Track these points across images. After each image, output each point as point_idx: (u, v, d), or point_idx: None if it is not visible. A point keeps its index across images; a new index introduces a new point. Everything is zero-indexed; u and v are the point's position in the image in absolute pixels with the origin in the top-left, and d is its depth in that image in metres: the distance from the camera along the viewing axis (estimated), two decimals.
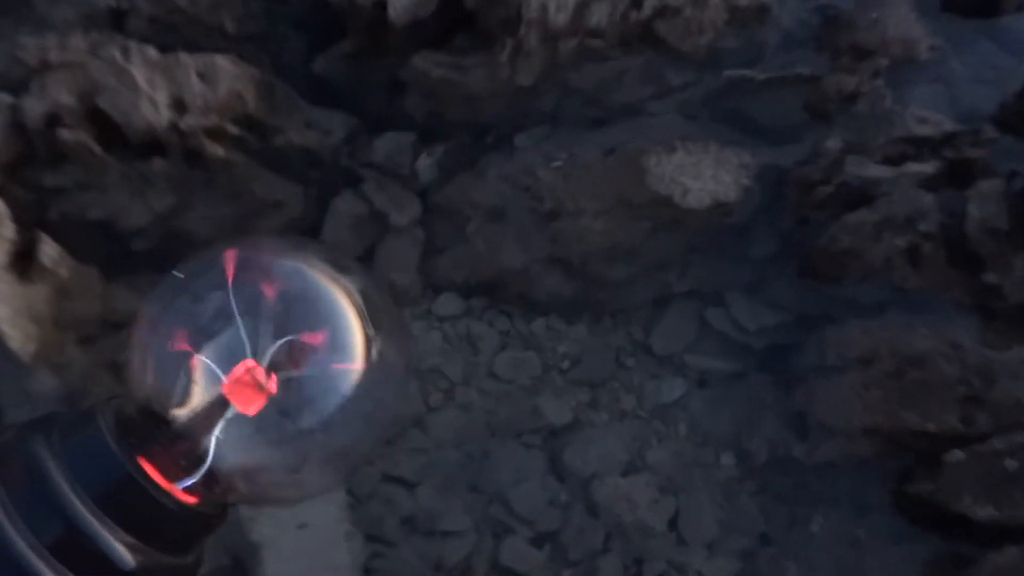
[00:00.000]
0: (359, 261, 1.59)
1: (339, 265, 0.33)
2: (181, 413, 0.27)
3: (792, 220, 1.62)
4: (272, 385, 0.28)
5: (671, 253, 1.62)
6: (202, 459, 0.27)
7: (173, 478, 0.26)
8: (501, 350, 1.60)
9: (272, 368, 0.28)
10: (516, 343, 1.62)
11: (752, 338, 1.64)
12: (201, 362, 0.28)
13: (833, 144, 1.58)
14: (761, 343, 1.64)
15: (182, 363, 0.28)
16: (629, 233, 1.56)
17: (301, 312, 0.30)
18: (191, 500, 0.25)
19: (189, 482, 0.26)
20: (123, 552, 0.23)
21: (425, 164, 1.62)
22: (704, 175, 1.55)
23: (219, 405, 0.27)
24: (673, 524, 1.49)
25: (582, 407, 1.59)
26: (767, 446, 1.53)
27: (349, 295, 0.31)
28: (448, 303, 1.61)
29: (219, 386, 0.27)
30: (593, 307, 1.64)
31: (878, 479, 1.43)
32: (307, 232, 1.57)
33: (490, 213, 1.59)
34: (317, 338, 0.30)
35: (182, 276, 0.32)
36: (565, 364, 1.61)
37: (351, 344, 0.31)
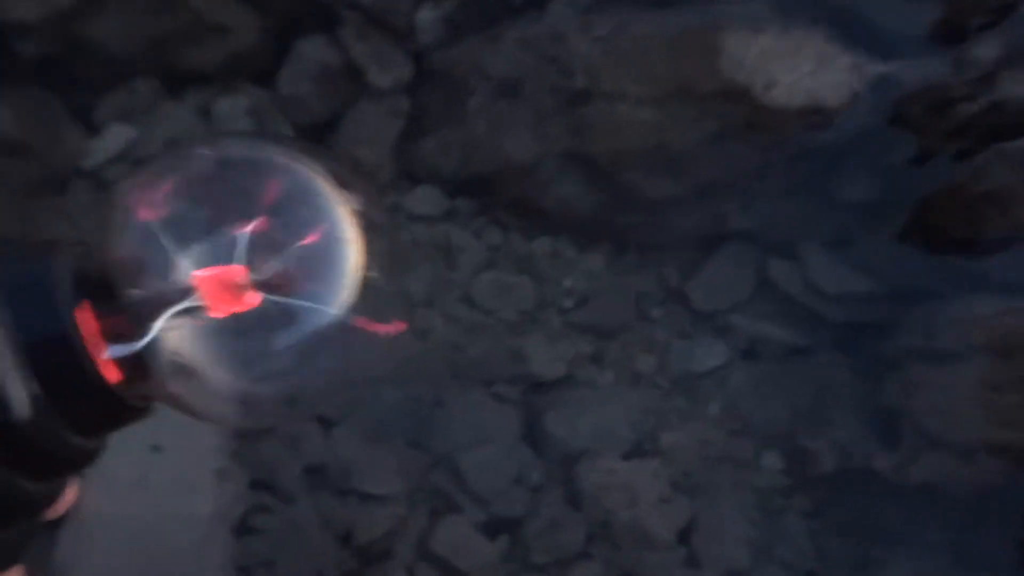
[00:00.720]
0: (322, 132, 1.20)
1: (354, 186, 0.27)
2: (141, 284, 0.22)
3: (908, 155, 1.16)
4: (252, 298, 0.23)
5: (734, 172, 1.17)
6: (139, 338, 0.22)
7: (102, 346, 0.22)
8: (485, 269, 1.18)
9: (257, 282, 0.24)
10: (507, 264, 1.19)
11: (828, 306, 1.18)
12: (185, 243, 0.23)
13: (986, 52, 1.11)
14: (840, 314, 1.18)
15: (163, 237, 0.24)
16: (683, 133, 1.12)
17: (302, 235, 0.25)
18: (113, 376, 0.21)
19: (117, 353, 0.22)
20: (22, 400, 0.19)
21: (429, 17, 1.21)
22: (800, 67, 1.11)
23: (183, 293, 0.22)
24: (685, 536, 1.05)
25: (581, 360, 1.16)
26: (834, 450, 1.07)
27: (358, 225, 0.26)
28: (426, 199, 1.20)
29: (193, 274, 0.22)
30: (617, 232, 1.21)
31: (1000, 518, 0.96)
32: (256, 77, 1.18)
33: (501, 87, 1.17)
34: (313, 267, 0.25)
35: (205, 152, 0.26)
36: (568, 302, 1.18)
37: (344, 283, 0.26)
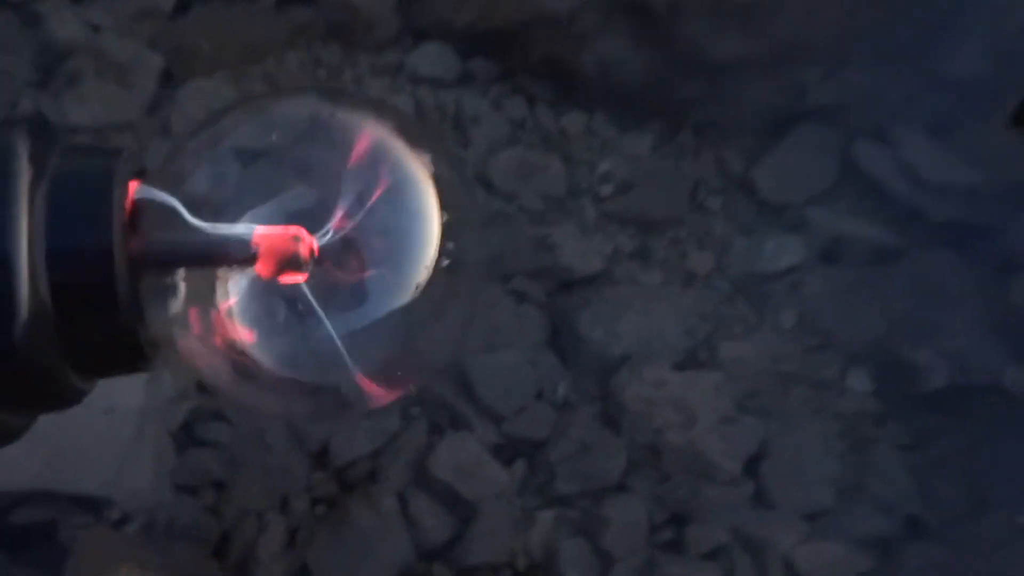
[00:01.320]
0: None
1: (432, 149, 0.24)
2: (198, 223, 0.19)
3: None
4: (309, 268, 0.20)
5: (820, 30, 0.94)
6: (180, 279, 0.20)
7: (140, 270, 0.18)
8: (505, 146, 0.96)
9: (322, 254, 0.21)
10: (533, 141, 0.97)
11: (929, 199, 0.94)
12: (250, 199, 0.21)
13: None
14: (942, 210, 0.94)
15: (232, 184, 0.22)
16: None
17: (382, 212, 0.22)
18: (139, 315, 0.17)
19: (157, 280, 0.19)
20: (27, 315, 0.15)
21: None
22: None
23: (241, 245, 0.19)
24: (752, 468, 0.82)
25: (621, 257, 0.93)
26: (947, 364, 0.83)
27: (437, 195, 0.23)
28: (434, 58, 0.97)
29: (256, 229, 0.20)
30: (669, 107, 0.98)
31: None
32: None
33: None
34: (386, 250, 0.23)
35: (279, 107, 0.24)
36: (606, 188, 0.95)
37: (418, 272, 0.23)
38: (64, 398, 0.18)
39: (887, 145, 0.97)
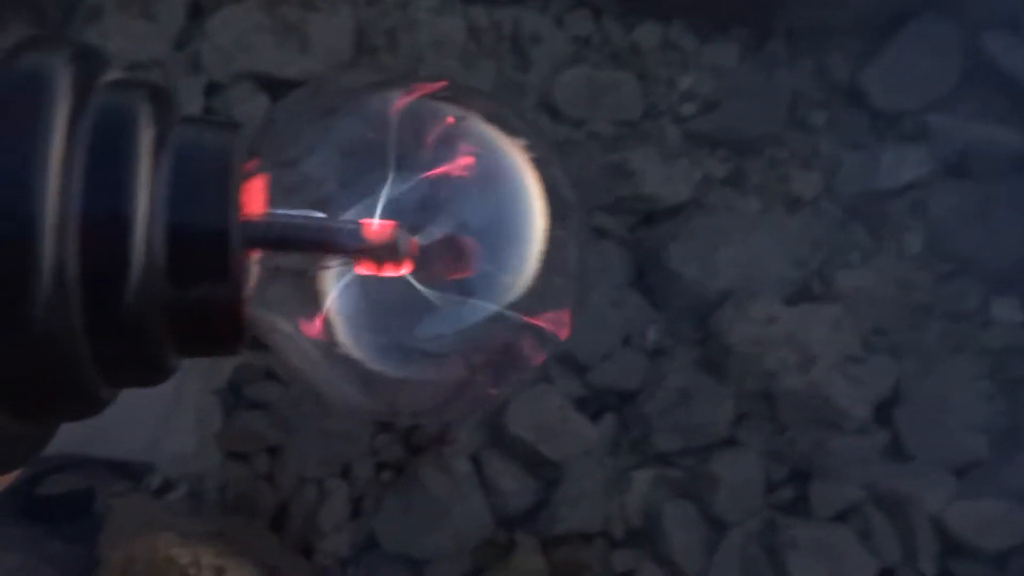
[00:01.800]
0: None
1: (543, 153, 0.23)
2: (313, 216, 0.19)
3: None
4: (407, 266, 0.20)
5: None
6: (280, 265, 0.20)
7: (251, 250, 0.17)
8: (572, 66, 0.85)
9: (420, 254, 0.21)
10: (601, 59, 0.85)
11: None
12: (354, 190, 0.21)
13: None
14: None
15: (336, 175, 0.22)
16: None
17: (483, 210, 0.22)
18: (239, 294, 0.16)
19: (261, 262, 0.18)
20: (140, 268, 0.14)
21: None
22: None
23: (350, 235, 0.19)
24: (886, 414, 0.69)
25: (712, 183, 0.81)
26: None
27: (550, 199, 0.23)
28: None
29: (362, 221, 0.19)
30: (758, 11, 0.85)
31: None
32: None
33: None
34: (488, 248, 0.22)
35: (386, 97, 0.23)
36: (689, 107, 0.83)
37: (520, 271, 0.22)
38: (162, 374, 0.17)
39: (1020, 35, 0.82)
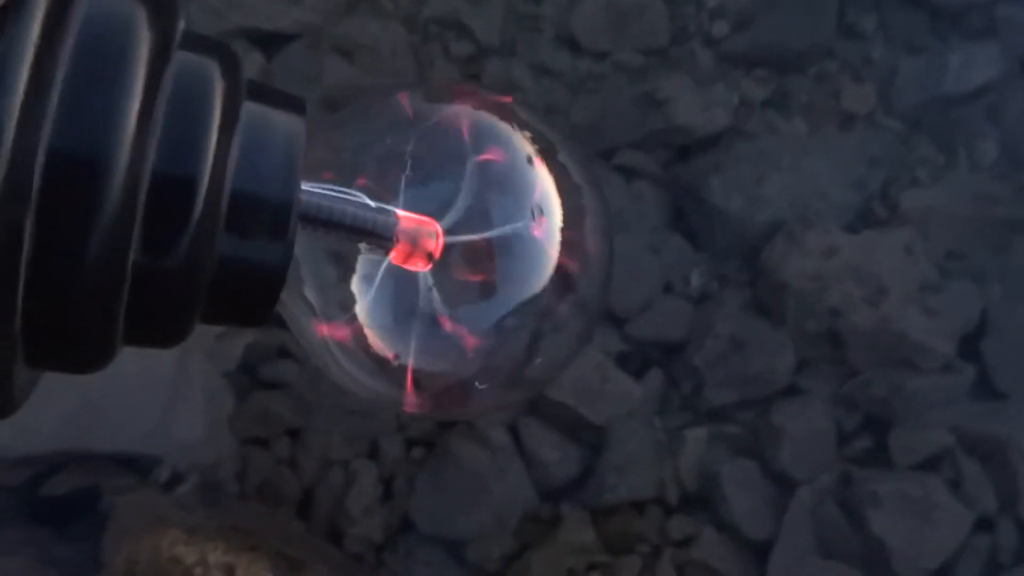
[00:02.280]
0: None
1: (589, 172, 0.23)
2: (355, 199, 0.20)
3: None
4: (430, 260, 0.21)
5: None
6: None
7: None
8: None
9: (451, 251, 0.21)
10: None
11: None
12: (391, 186, 0.21)
13: None
14: None
15: (375, 167, 0.22)
16: None
17: (510, 216, 0.22)
18: (287, 260, 0.17)
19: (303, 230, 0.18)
20: (195, 222, 0.15)
21: None
22: None
23: (385, 224, 0.20)
24: (971, 348, 0.61)
25: (752, 107, 0.73)
26: None
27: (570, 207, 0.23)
28: None
29: (397, 212, 0.20)
30: None
31: None
32: None
33: None
34: (512, 255, 0.22)
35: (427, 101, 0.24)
36: (721, 27, 0.75)
37: (539, 285, 0.22)
38: (181, 336, 0.16)
39: None
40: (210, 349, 0.56)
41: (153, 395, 0.52)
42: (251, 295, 0.17)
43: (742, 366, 0.62)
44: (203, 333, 0.55)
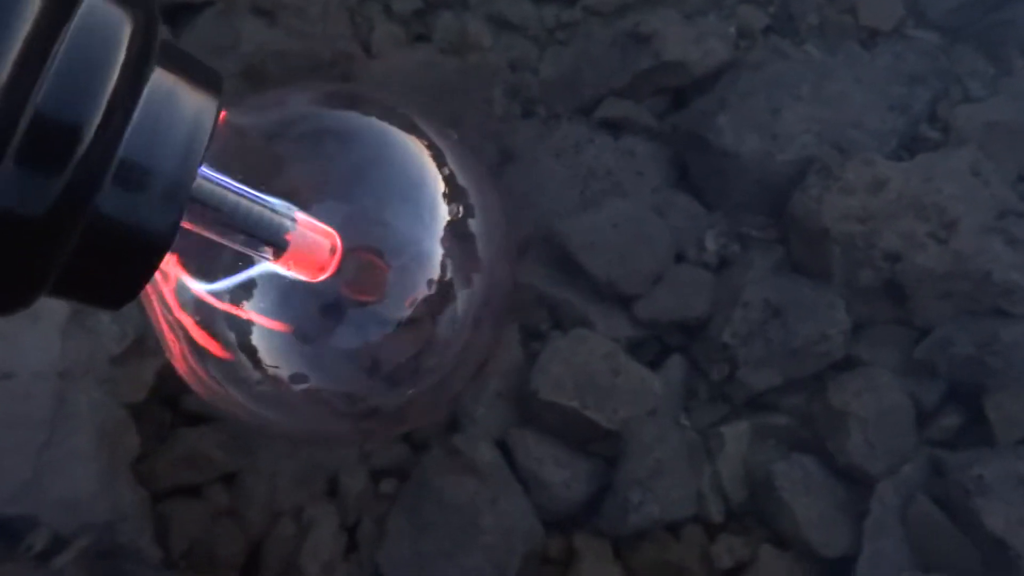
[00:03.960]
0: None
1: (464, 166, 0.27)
2: (253, 195, 0.20)
3: None
4: (330, 270, 0.22)
5: None
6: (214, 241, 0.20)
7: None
8: None
9: (345, 267, 0.22)
10: None
11: None
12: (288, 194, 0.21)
13: None
14: None
15: (280, 166, 0.25)
16: None
17: (403, 226, 0.25)
18: (168, 238, 0.16)
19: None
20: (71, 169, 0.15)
21: None
22: None
23: (278, 225, 0.20)
24: None
25: (752, 39, 0.62)
26: None
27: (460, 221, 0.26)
28: None
29: (296, 215, 0.20)
30: None
31: None
32: None
33: None
34: (401, 277, 0.25)
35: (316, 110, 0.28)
36: None
37: (434, 289, 0.25)
38: (24, 300, 0.15)
39: None
40: (103, 375, 0.44)
41: (22, 439, 0.40)
42: (122, 265, 0.15)
43: (784, 338, 0.50)
44: (93, 356, 0.42)
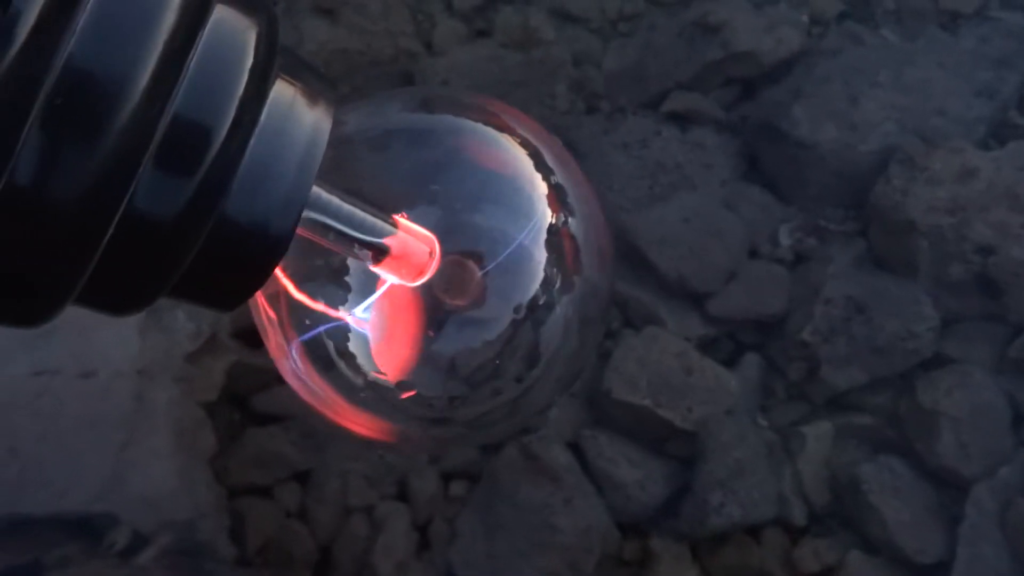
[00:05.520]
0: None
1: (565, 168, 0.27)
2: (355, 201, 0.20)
3: None
4: (428, 274, 0.22)
5: None
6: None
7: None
8: None
9: (446, 276, 0.24)
10: None
11: None
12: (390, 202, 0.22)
13: None
14: None
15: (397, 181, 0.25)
16: None
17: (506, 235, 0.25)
18: (283, 246, 0.17)
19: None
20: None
21: None
22: None
23: (381, 232, 0.20)
24: None
25: (826, 26, 0.60)
26: None
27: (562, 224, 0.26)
28: None
29: (396, 218, 0.21)
30: None
31: None
32: None
33: None
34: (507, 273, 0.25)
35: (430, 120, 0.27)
36: None
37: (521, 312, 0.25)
38: (142, 303, 0.16)
39: None
40: (179, 373, 0.45)
41: (103, 437, 0.40)
42: (240, 268, 0.16)
43: (868, 336, 0.48)
44: (169, 354, 0.43)
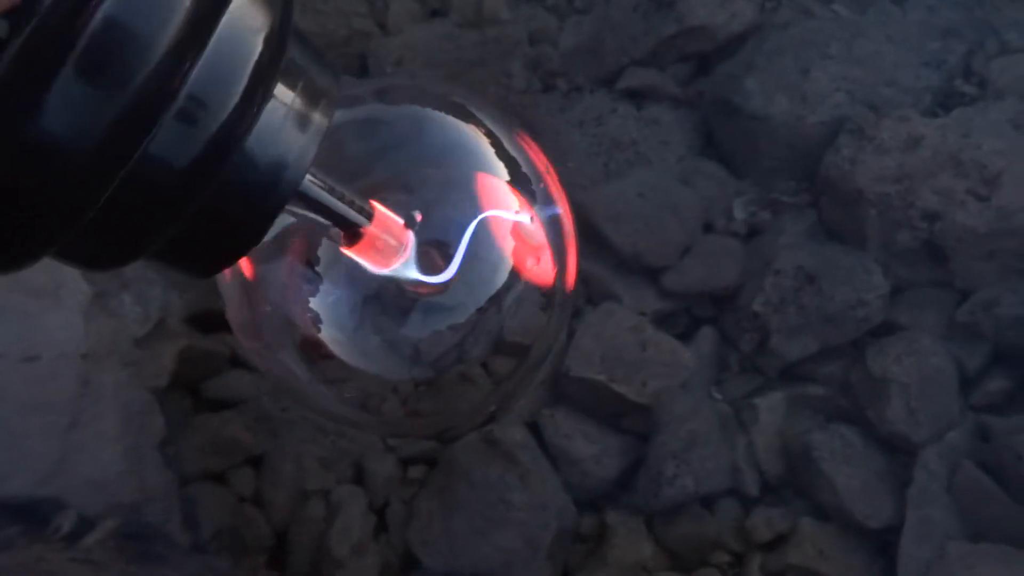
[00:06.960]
0: None
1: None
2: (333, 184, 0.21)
3: None
4: (399, 261, 0.23)
5: None
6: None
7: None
8: None
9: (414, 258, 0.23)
10: None
11: None
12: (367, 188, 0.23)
13: None
14: None
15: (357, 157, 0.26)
16: None
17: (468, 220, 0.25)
18: (270, 217, 0.18)
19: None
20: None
21: None
22: None
23: (358, 210, 0.21)
24: None
25: (777, 1, 0.61)
26: None
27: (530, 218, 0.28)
28: None
29: (372, 202, 0.22)
30: None
31: None
32: None
33: None
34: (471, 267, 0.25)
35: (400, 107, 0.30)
36: None
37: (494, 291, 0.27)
38: (128, 255, 0.16)
39: None
40: (127, 358, 0.45)
41: (47, 421, 0.41)
42: (228, 237, 0.17)
43: (818, 305, 0.49)
44: (116, 338, 0.43)
